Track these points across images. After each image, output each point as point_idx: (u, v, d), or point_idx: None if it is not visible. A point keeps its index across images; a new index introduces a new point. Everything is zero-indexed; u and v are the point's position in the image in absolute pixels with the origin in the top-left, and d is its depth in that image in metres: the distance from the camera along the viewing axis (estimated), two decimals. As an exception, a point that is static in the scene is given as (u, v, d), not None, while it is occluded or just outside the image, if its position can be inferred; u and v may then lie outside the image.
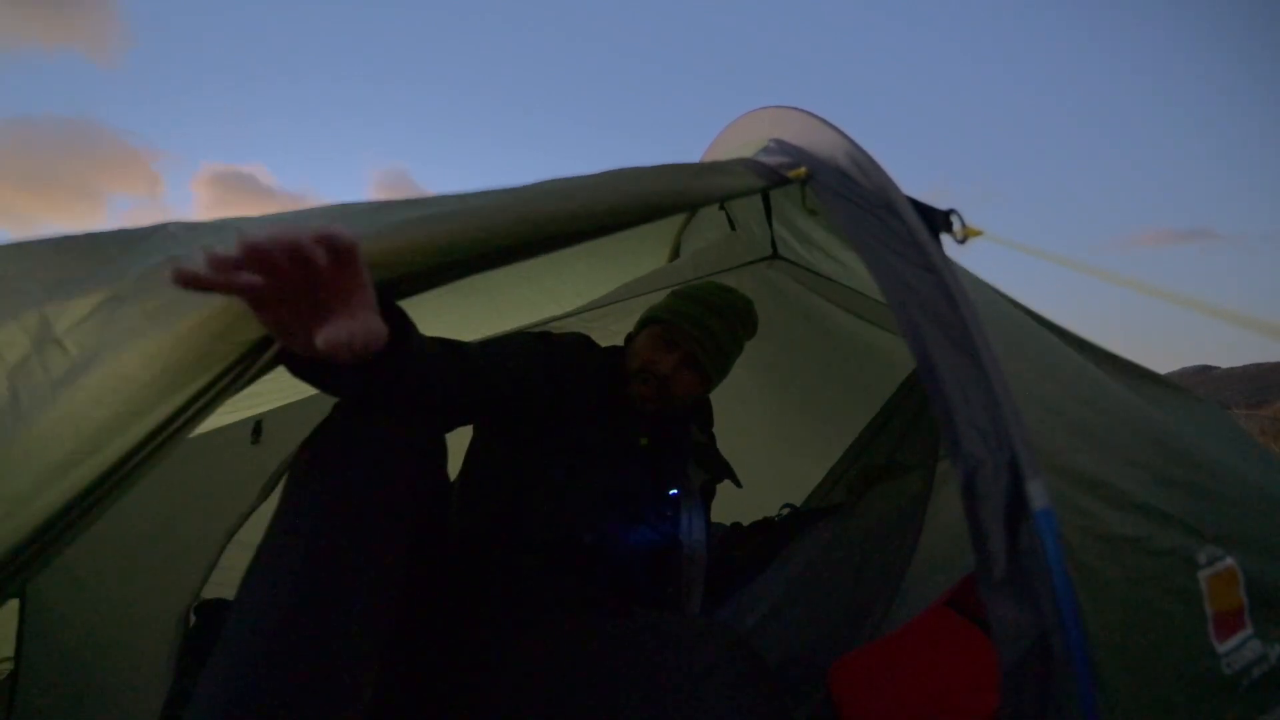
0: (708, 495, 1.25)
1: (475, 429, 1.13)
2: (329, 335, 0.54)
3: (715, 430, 1.34)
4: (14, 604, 1.13)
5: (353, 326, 0.55)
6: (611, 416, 1.11)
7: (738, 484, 1.27)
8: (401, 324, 0.68)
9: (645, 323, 1.19)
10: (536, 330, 1.22)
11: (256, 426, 1.38)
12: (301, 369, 0.65)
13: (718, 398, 1.34)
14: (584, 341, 1.18)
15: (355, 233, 0.55)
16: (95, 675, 1.19)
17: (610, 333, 1.54)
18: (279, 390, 1.25)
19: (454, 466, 1.15)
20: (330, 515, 0.66)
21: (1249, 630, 0.63)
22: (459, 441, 1.13)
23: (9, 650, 1.15)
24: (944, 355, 0.60)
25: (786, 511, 1.59)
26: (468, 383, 0.88)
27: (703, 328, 1.14)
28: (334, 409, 0.75)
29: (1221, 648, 0.60)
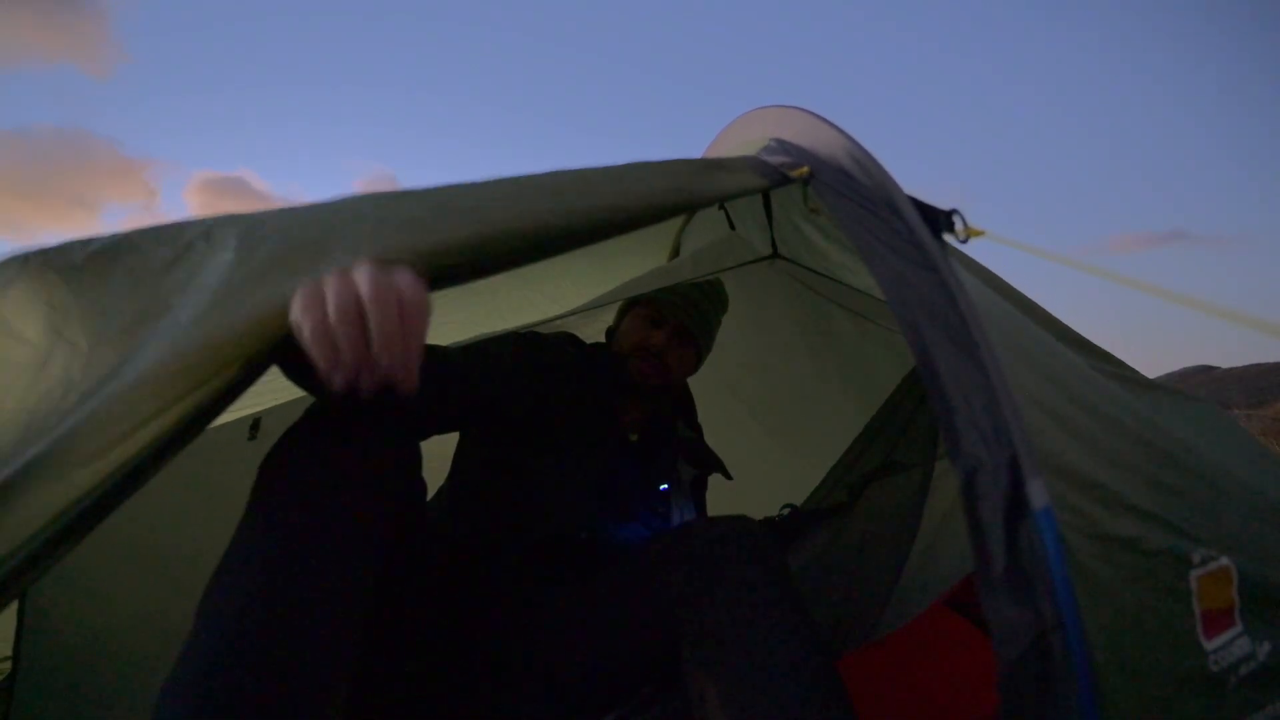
0: (699, 489, 1.26)
1: (461, 432, 1.13)
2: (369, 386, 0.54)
3: (716, 431, 1.35)
4: (12, 604, 1.13)
5: (395, 376, 0.55)
6: (601, 413, 1.12)
7: (728, 476, 1.28)
8: None
9: (627, 308, 1.23)
10: (524, 330, 1.23)
11: (255, 424, 1.38)
12: (294, 372, 0.64)
13: (717, 397, 1.34)
14: (570, 339, 1.19)
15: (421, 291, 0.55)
16: (94, 675, 1.18)
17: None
18: (277, 389, 1.25)
19: (442, 469, 1.15)
20: (299, 521, 0.64)
21: (1238, 628, 0.63)
22: (446, 444, 1.13)
23: (8, 650, 1.15)
24: (944, 354, 0.60)
25: (787, 511, 1.59)
26: (450, 394, 0.88)
27: (686, 298, 1.20)
28: (306, 413, 0.73)
29: (1209, 645, 0.60)
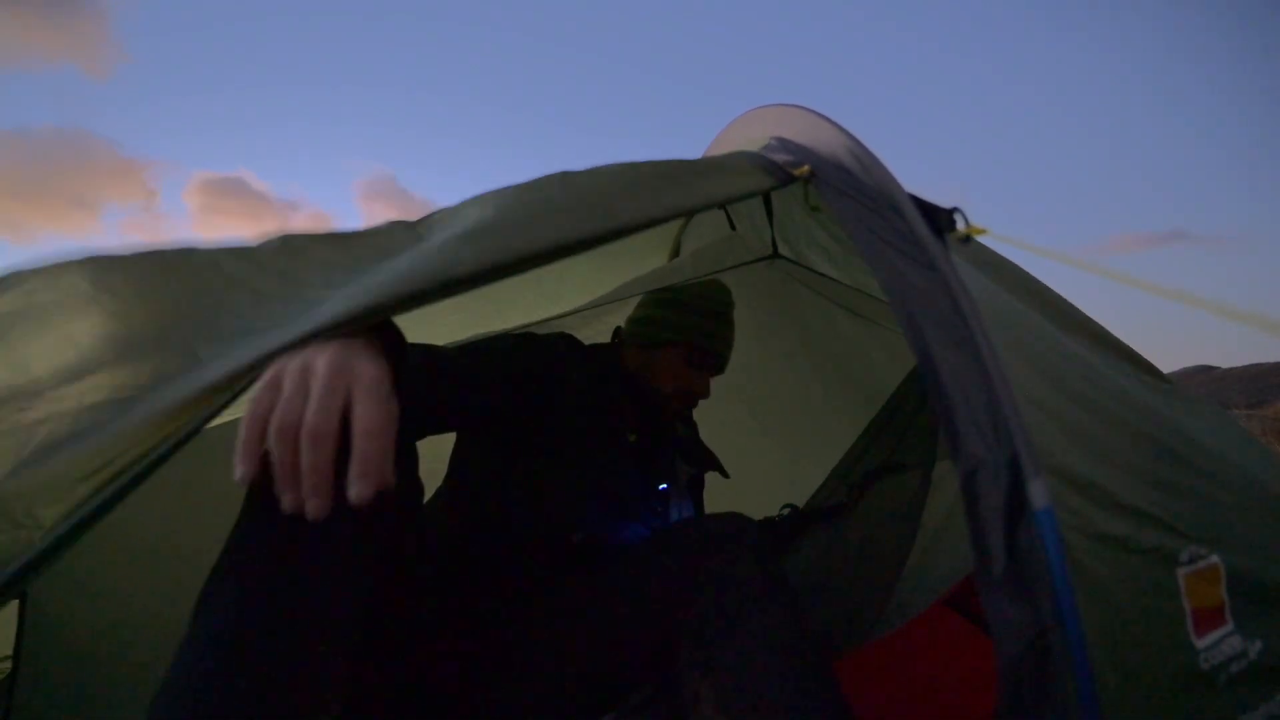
0: (696, 488, 1.27)
1: (458, 432, 1.13)
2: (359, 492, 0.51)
3: (716, 431, 1.35)
4: (13, 603, 1.13)
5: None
6: (599, 414, 1.11)
7: (724, 475, 1.29)
8: (395, 342, 0.66)
9: (668, 341, 1.17)
10: (520, 331, 1.22)
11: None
12: None
13: (717, 397, 1.34)
14: (568, 340, 1.18)
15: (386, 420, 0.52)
16: (95, 675, 1.18)
17: (610, 331, 1.54)
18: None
19: (441, 469, 1.15)
20: (294, 522, 0.61)
21: (1229, 626, 0.63)
22: (446, 444, 1.12)
23: (8, 650, 1.15)
24: (945, 354, 0.60)
25: (788, 511, 1.59)
26: (445, 396, 0.88)
27: (729, 344, 1.21)
28: None
29: (1200, 643, 0.60)
